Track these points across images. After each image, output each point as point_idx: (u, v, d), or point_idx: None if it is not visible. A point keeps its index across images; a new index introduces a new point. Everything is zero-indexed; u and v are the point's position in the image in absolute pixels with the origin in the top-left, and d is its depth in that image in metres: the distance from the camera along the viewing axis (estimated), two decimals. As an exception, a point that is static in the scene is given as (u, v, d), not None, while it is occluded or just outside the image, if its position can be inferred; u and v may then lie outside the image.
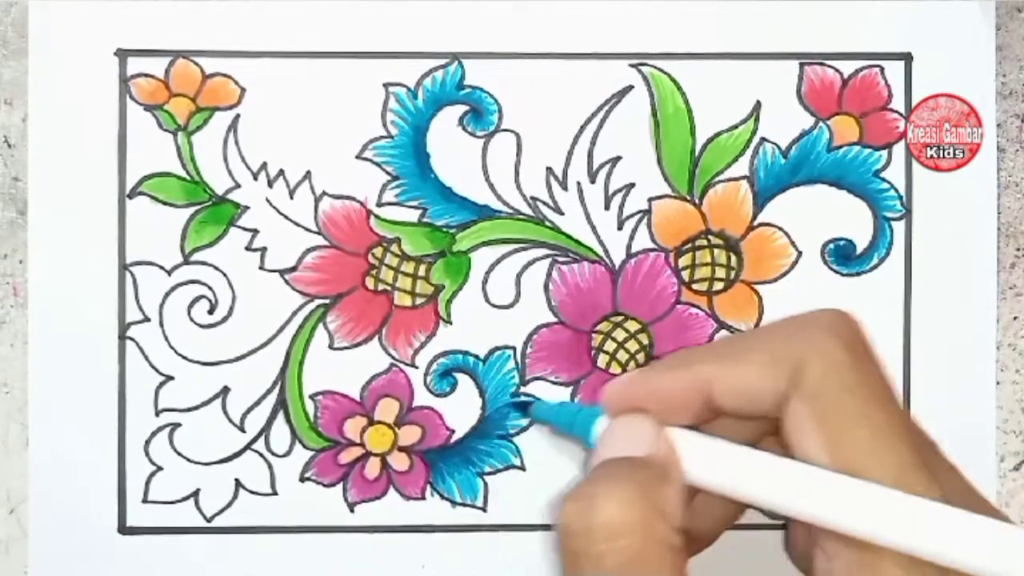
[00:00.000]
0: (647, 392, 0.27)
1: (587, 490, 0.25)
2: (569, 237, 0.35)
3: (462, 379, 0.35)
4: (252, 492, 0.35)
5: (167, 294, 0.35)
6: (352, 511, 0.35)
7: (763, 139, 0.35)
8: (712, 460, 0.26)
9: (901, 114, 0.35)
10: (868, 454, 0.25)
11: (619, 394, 0.27)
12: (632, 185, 0.35)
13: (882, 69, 0.35)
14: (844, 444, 0.25)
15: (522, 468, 0.35)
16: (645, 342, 0.35)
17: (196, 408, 0.35)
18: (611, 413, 0.28)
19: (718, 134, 0.35)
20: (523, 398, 0.35)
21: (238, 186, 0.35)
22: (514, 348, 0.35)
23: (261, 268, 0.35)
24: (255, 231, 0.35)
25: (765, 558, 0.35)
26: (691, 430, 0.27)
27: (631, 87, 0.35)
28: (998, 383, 0.35)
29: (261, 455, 0.35)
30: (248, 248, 0.35)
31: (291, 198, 0.35)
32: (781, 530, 0.35)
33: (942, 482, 0.25)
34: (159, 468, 0.35)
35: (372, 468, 0.35)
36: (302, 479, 0.35)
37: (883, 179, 0.35)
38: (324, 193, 0.35)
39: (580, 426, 0.29)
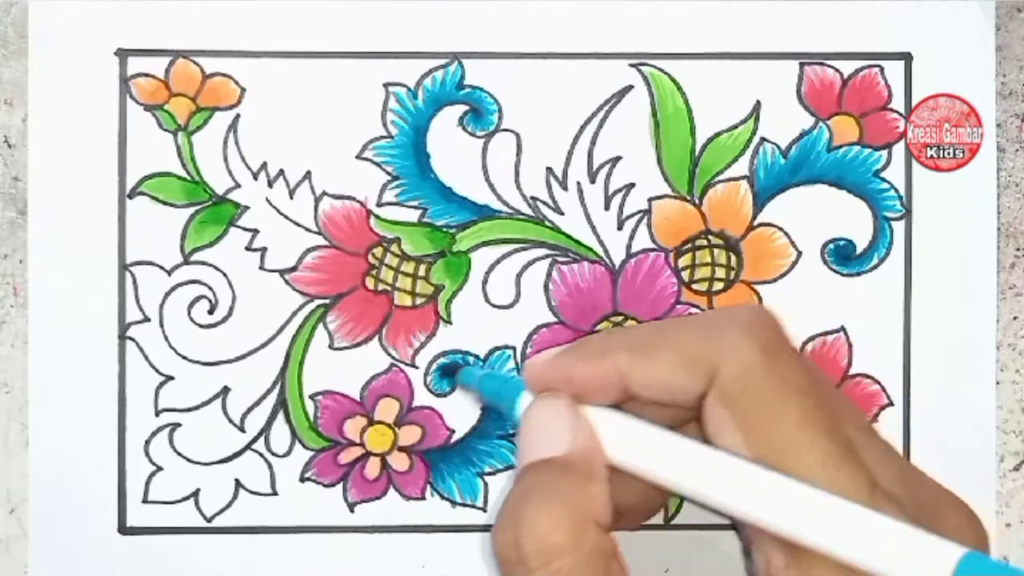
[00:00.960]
0: (564, 377, 0.27)
1: (513, 515, 0.25)
2: (569, 237, 0.35)
3: (462, 379, 0.35)
4: (252, 492, 0.35)
5: (167, 294, 0.35)
6: (352, 511, 0.35)
7: (763, 139, 0.35)
8: (632, 443, 0.26)
9: (901, 114, 0.35)
10: (787, 452, 0.24)
11: (538, 375, 0.27)
12: (632, 185, 0.35)
13: (882, 69, 0.35)
14: (762, 444, 0.25)
15: (522, 468, 0.35)
16: (645, 342, 0.35)
17: (196, 408, 0.35)
18: (532, 390, 0.28)
19: (718, 134, 0.35)
20: (451, 362, 0.35)
21: (238, 186, 0.35)
22: (514, 348, 0.35)
23: (261, 268, 0.35)
24: (255, 231, 0.35)
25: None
26: (613, 410, 0.27)
27: (631, 87, 0.35)
28: (998, 383, 0.35)
29: (261, 455, 0.35)
30: (248, 248, 0.35)
31: (291, 198, 0.35)
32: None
33: (874, 467, 0.24)
34: (159, 468, 0.35)
35: (372, 468, 0.35)
36: (302, 479, 0.35)
37: (883, 179, 0.35)
38: (324, 193, 0.35)
39: (504, 398, 0.29)
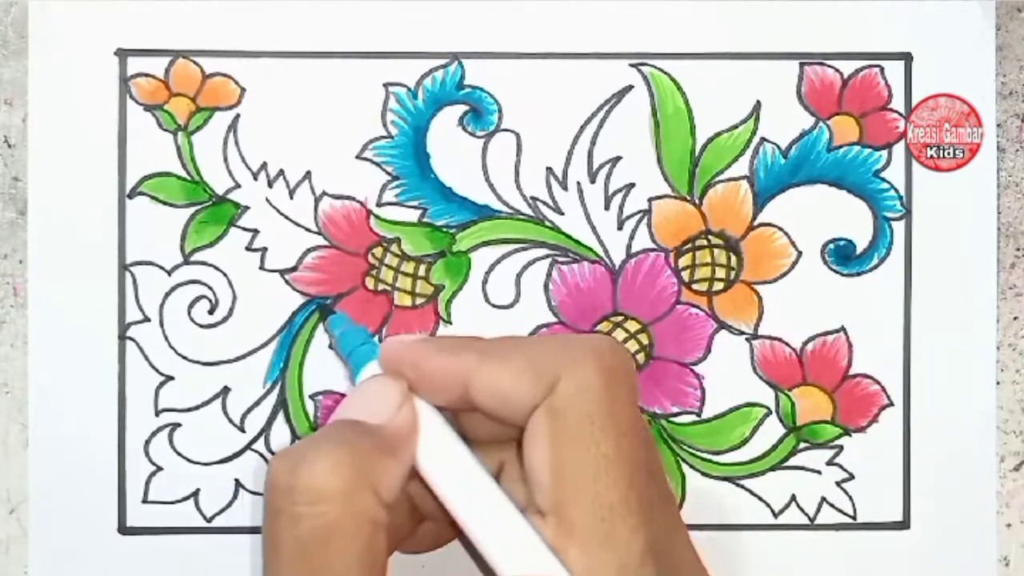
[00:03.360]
0: (414, 361, 0.27)
1: (300, 449, 0.25)
2: (569, 237, 0.35)
3: (462, 379, 0.35)
4: (252, 492, 0.35)
5: (167, 294, 0.35)
6: (352, 511, 0.35)
7: (763, 139, 0.35)
8: (435, 452, 0.27)
9: (901, 114, 0.35)
10: (587, 483, 0.25)
11: (392, 352, 0.28)
12: (632, 185, 0.35)
13: (882, 69, 0.35)
14: (568, 467, 0.25)
15: (522, 468, 0.35)
16: (645, 342, 0.35)
17: (196, 408, 0.35)
18: (383, 366, 0.28)
19: (718, 134, 0.35)
20: (329, 303, 0.35)
21: (238, 186, 0.35)
22: (514, 348, 0.35)
23: (261, 268, 0.35)
24: (255, 231, 0.35)
25: (763, 557, 0.35)
26: (444, 418, 0.27)
27: (631, 87, 0.35)
28: (998, 383, 0.35)
29: (261, 455, 0.35)
30: (248, 248, 0.35)
31: (291, 198, 0.35)
32: (778, 530, 0.35)
33: (658, 518, 0.25)
34: (159, 468, 0.35)
35: (372, 468, 0.35)
36: (302, 479, 0.35)
37: (883, 179, 0.35)
38: (324, 193, 0.35)
39: (354, 361, 0.29)
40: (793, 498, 0.35)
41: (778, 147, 0.35)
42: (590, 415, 0.25)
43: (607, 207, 0.35)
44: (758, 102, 0.35)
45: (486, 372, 0.26)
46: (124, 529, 0.35)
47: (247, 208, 0.35)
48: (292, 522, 0.24)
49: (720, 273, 0.35)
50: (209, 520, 0.35)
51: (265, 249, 0.35)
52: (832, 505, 0.35)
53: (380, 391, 0.27)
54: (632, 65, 0.35)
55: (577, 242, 0.35)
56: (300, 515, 0.24)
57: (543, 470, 0.25)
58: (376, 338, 0.35)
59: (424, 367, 0.27)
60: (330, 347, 0.34)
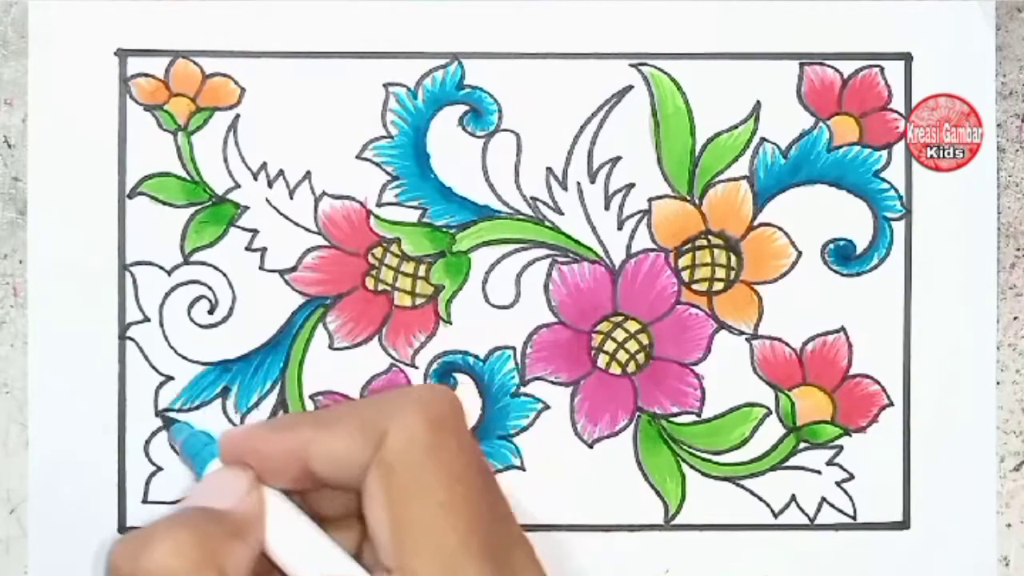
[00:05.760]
0: (252, 448, 0.27)
1: (144, 533, 0.25)
2: (569, 237, 0.35)
3: (462, 379, 0.35)
4: (252, 492, 0.35)
5: (167, 294, 0.35)
6: (352, 511, 0.35)
7: (763, 139, 0.35)
8: (283, 533, 0.27)
9: (901, 114, 0.35)
10: (425, 532, 0.25)
11: (232, 444, 0.28)
12: (632, 185, 0.35)
13: (882, 69, 0.35)
14: (404, 520, 0.25)
15: (522, 468, 0.35)
16: (645, 342, 0.35)
17: (196, 408, 0.35)
18: (224, 460, 0.28)
19: (718, 134, 0.35)
20: (172, 415, 0.34)
21: (238, 186, 0.35)
22: (514, 348, 0.35)
23: (261, 268, 0.35)
24: (255, 231, 0.35)
25: (763, 557, 0.35)
26: (293, 502, 0.27)
27: (631, 87, 0.35)
28: (998, 383, 0.35)
29: (261, 455, 0.35)
30: (248, 248, 0.35)
31: (291, 198, 0.35)
32: (778, 530, 0.35)
33: (505, 561, 0.25)
34: (159, 468, 0.35)
35: (372, 468, 0.35)
36: (302, 479, 0.35)
37: (883, 179, 0.35)
38: (324, 193, 0.35)
39: (198, 460, 0.29)
40: (793, 498, 0.35)
41: (778, 147, 0.35)
42: (420, 466, 0.25)
43: (607, 207, 0.35)
44: (758, 102, 0.35)
45: (320, 440, 0.26)
46: (124, 529, 0.35)
47: (247, 208, 0.35)
48: None
49: (720, 273, 0.35)
50: (209, 520, 0.35)
51: (265, 249, 0.35)
52: (832, 505, 0.35)
53: (226, 479, 0.27)
54: (632, 65, 0.35)
55: (577, 242, 0.35)
56: None
57: (382, 527, 0.25)
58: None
59: (264, 450, 0.27)
60: (176, 452, 0.34)
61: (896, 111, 0.35)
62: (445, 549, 0.25)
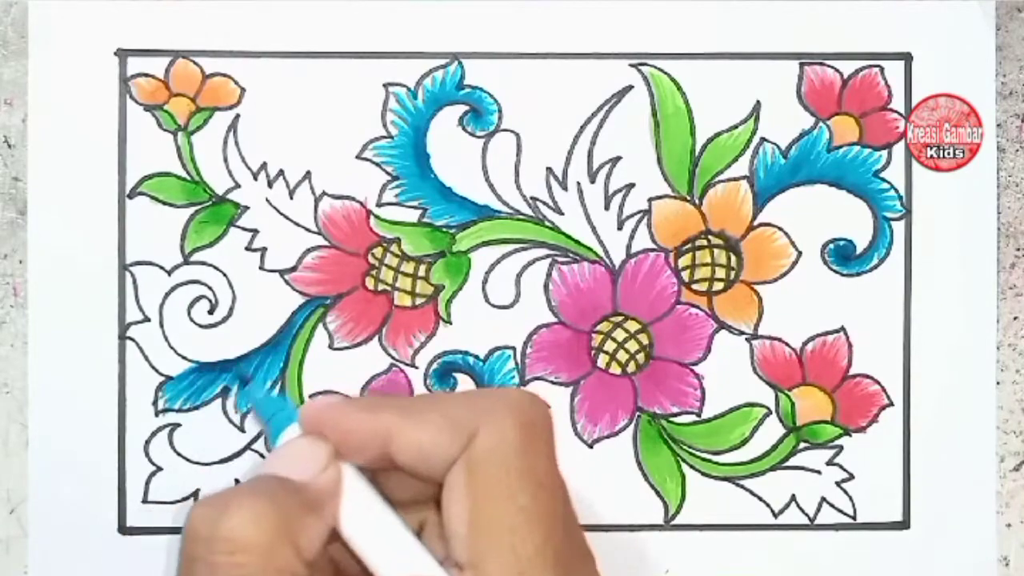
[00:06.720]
0: (333, 423, 0.27)
1: (222, 498, 0.24)
2: (569, 237, 0.35)
3: (462, 379, 0.35)
4: (252, 492, 0.35)
5: (167, 294, 0.35)
6: (352, 511, 0.35)
7: (763, 139, 0.35)
8: (357, 512, 0.27)
9: (901, 114, 0.35)
10: (504, 534, 0.25)
11: (314, 413, 0.28)
12: (632, 185, 0.35)
13: (882, 69, 0.35)
14: (484, 519, 0.25)
15: (522, 468, 0.35)
16: (645, 342, 0.35)
17: (196, 408, 0.35)
18: (303, 428, 0.28)
19: (718, 134, 0.35)
20: (248, 374, 0.35)
21: (238, 186, 0.35)
22: (514, 348, 0.35)
23: (261, 268, 0.35)
24: (255, 231, 0.35)
25: (763, 557, 0.35)
26: (367, 479, 0.27)
27: (631, 87, 0.35)
28: (998, 383, 0.35)
29: (261, 455, 0.35)
30: (248, 248, 0.35)
31: (291, 198, 0.35)
32: (778, 530, 0.35)
33: (574, 574, 0.25)
34: (159, 468, 0.35)
35: (372, 468, 0.35)
36: (302, 479, 0.35)
37: (883, 179, 0.35)
38: (324, 193, 0.35)
39: (274, 425, 0.29)
40: (793, 498, 0.35)
41: (778, 147, 0.35)
42: (507, 468, 0.25)
43: (607, 207, 0.35)
44: (758, 102, 0.35)
45: (406, 429, 0.26)
46: (124, 529, 0.35)
47: (247, 208, 0.35)
48: (208, 571, 0.24)
49: (720, 273, 0.35)
50: (209, 520, 0.35)
51: (265, 249, 0.35)
52: (832, 505, 0.35)
53: (305, 450, 0.27)
54: (632, 65, 0.35)
55: (577, 242, 0.35)
56: (217, 564, 0.24)
57: (461, 523, 0.25)
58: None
59: (345, 426, 0.27)
60: (247, 415, 0.34)
61: (896, 111, 0.35)
62: (522, 554, 0.25)
